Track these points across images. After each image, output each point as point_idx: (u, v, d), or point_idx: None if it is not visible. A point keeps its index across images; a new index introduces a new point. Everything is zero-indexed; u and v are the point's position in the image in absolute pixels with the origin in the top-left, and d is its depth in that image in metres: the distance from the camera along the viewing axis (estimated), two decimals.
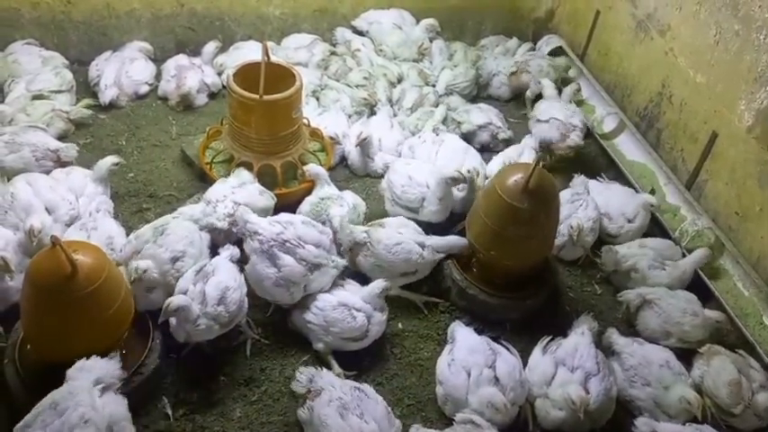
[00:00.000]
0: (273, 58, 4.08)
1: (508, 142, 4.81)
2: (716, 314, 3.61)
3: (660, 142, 4.68)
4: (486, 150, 4.71)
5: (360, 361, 3.38)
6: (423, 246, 3.57)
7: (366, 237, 3.59)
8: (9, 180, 3.93)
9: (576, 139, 4.53)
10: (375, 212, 4.09)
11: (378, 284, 3.37)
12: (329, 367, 3.26)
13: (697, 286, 3.83)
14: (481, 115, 4.85)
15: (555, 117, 4.59)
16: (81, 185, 3.77)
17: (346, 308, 3.30)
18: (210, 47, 5.19)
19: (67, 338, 2.80)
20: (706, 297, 3.79)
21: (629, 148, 4.82)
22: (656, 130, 4.73)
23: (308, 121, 4.39)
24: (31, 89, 4.55)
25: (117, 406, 2.66)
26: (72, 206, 3.64)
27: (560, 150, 4.58)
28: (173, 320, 3.08)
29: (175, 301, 3.01)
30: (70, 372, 2.67)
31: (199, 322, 3.06)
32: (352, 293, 3.40)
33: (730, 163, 4.02)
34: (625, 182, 4.61)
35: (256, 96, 3.79)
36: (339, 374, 3.22)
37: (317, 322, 3.31)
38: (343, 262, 3.48)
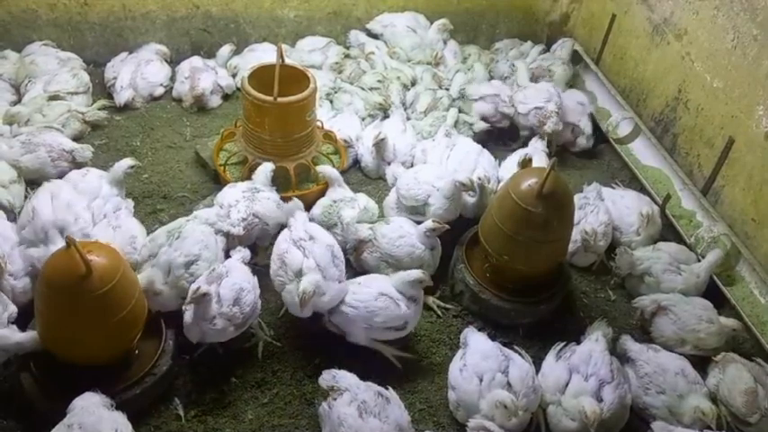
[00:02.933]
0: (288, 61, 4.09)
1: (510, 120, 4.86)
2: (732, 322, 3.56)
3: (676, 147, 4.64)
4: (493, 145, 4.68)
5: (371, 364, 3.37)
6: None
7: (371, 233, 3.63)
8: (24, 181, 3.99)
9: (551, 125, 4.67)
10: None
11: (412, 273, 3.31)
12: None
13: (713, 293, 3.79)
14: (489, 87, 4.88)
15: (533, 106, 4.75)
16: (97, 187, 3.78)
17: (388, 297, 3.28)
18: (225, 50, 5.22)
19: (81, 339, 2.82)
20: (722, 305, 3.75)
21: (644, 153, 4.79)
22: (671, 134, 4.69)
23: (322, 124, 4.40)
24: (48, 90, 4.58)
25: (123, 418, 2.72)
26: (86, 224, 3.54)
27: (542, 134, 4.74)
28: (187, 319, 3.08)
29: (203, 287, 3.01)
30: (73, 402, 2.70)
31: (215, 321, 3.06)
32: (386, 283, 3.37)
33: (747, 169, 3.97)
34: (639, 187, 4.58)
35: (270, 98, 3.79)
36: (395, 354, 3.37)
37: (358, 315, 3.26)
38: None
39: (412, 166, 4.38)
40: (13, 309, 3.16)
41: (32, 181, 4.03)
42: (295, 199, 3.64)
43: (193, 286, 3.03)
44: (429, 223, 3.59)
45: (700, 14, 4.33)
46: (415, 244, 3.61)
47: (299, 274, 3.22)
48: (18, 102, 4.61)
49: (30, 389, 2.93)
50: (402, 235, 3.63)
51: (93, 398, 2.74)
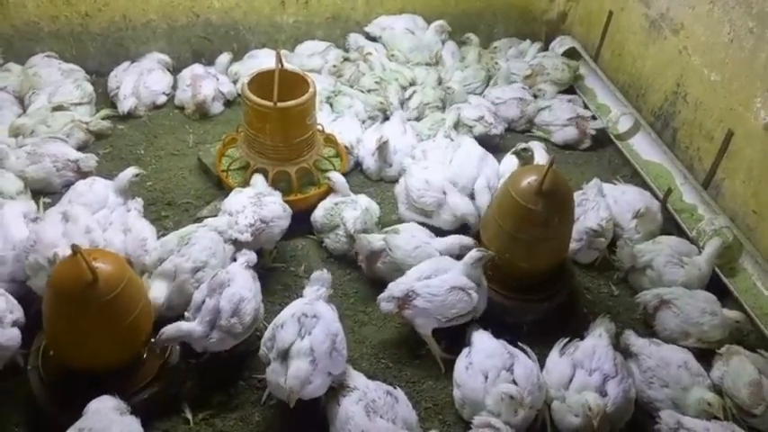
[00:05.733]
0: (287, 66, 4.12)
1: (501, 137, 4.87)
2: (735, 314, 3.57)
3: (676, 141, 4.66)
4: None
5: (377, 364, 3.41)
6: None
7: (384, 244, 3.64)
8: (30, 191, 4.03)
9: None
10: (388, 216, 4.12)
11: (471, 255, 3.35)
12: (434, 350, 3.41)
13: (716, 286, 3.80)
14: (473, 111, 4.87)
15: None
16: (104, 197, 3.81)
17: (459, 289, 3.31)
18: (224, 58, 5.27)
19: (89, 345, 2.86)
20: (725, 297, 3.76)
21: (644, 149, 4.80)
22: (671, 129, 4.70)
23: (322, 127, 4.43)
24: (52, 101, 4.63)
25: (135, 424, 2.76)
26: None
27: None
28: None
29: (167, 332, 3.01)
30: (88, 405, 2.73)
31: (212, 336, 3.08)
32: (456, 272, 3.39)
33: (747, 161, 3.98)
34: (641, 182, 4.59)
35: (270, 103, 3.83)
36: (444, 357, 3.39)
37: (434, 307, 3.30)
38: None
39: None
40: (20, 315, 3.17)
41: (38, 191, 4.09)
42: (325, 271, 3.27)
43: (161, 331, 3.01)
44: (475, 253, 3.38)
45: (696, 9, 4.35)
46: (432, 252, 3.62)
47: (284, 354, 2.90)
48: (22, 114, 4.66)
49: (39, 395, 2.97)
50: (417, 245, 3.63)
51: (109, 402, 2.77)
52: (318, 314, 3.01)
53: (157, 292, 3.22)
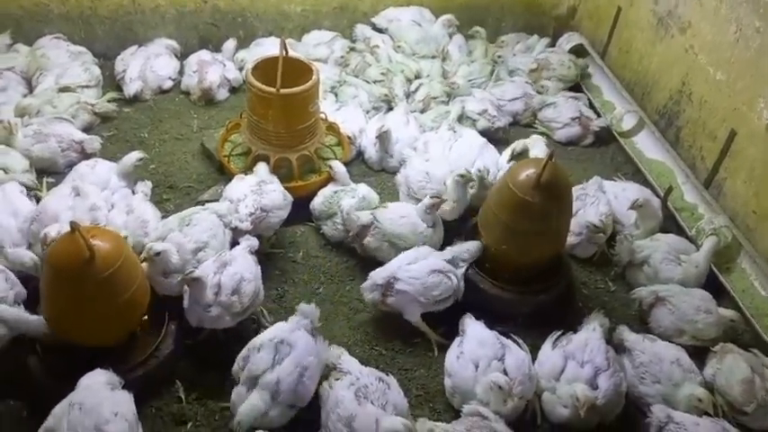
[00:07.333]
0: (292, 53, 4.14)
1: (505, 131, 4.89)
2: (730, 313, 3.57)
3: (679, 140, 4.64)
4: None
5: (370, 351, 3.43)
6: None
7: (372, 218, 3.71)
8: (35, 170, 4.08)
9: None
10: None
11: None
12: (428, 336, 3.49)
13: (713, 285, 3.79)
14: (477, 104, 4.88)
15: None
16: (105, 179, 3.86)
17: (439, 272, 3.40)
18: (230, 44, 5.31)
19: (86, 321, 2.89)
20: (722, 296, 3.75)
21: (647, 147, 4.78)
22: (675, 128, 4.69)
23: (325, 116, 4.45)
24: (60, 83, 4.67)
25: (127, 399, 2.77)
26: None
27: None
28: (185, 303, 3.16)
29: (196, 272, 3.09)
30: (80, 380, 2.77)
31: (210, 309, 3.13)
32: (436, 257, 3.50)
33: (749, 161, 3.97)
34: (643, 180, 4.58)
35: (273, 90, 3.84)
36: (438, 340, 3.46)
37: (415, 290, 3.37)
38: None
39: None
40: (20, 290, 3.24)
41: (42, 170, 4.14)
42: (313, 306, 3.19)
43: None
44: (427, 200, 3.69)
45: (703, 6, 4.33)
46: (417, 222, 3.71)
47: (254, 381, 2.90)
48: (29, 94, 4.70)
49: (35, 369, 3.01)
50: (403, 215, 3.74)
51: (101, 376, 2.80)
52: (293, 344, 2.98)
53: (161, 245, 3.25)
